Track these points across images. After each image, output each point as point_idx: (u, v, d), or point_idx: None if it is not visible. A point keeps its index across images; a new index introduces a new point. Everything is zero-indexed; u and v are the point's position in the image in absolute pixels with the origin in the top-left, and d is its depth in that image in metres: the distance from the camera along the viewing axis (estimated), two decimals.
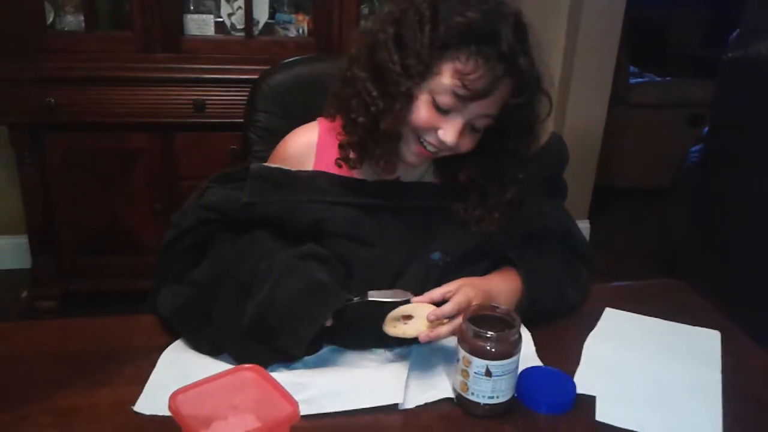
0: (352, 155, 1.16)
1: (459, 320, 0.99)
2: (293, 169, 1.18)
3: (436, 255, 1.13)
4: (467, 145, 1.12)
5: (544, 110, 1.13)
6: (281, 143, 1.26)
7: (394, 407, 0.96)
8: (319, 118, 1.25)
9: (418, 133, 1.11)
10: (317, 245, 1.09)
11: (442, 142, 1.09)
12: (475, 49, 1.03)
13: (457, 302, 1.02)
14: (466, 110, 1.07)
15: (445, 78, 1.05)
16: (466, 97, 1.04)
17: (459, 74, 1.03)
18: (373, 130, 1.11)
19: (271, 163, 1.24)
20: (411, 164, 1.17)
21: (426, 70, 1.06)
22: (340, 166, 1.18)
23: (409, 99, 1.08)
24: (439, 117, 1.08)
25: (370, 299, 1.02)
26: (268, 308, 1.01)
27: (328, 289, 1.02)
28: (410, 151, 1.14)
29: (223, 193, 1.14)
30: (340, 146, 1.17)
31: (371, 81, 1.10)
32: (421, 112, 1.08)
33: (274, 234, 1.12)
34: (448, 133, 1.08)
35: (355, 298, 1.03)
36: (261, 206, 1.11)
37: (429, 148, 1.11)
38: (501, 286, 1.13)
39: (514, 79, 1.05)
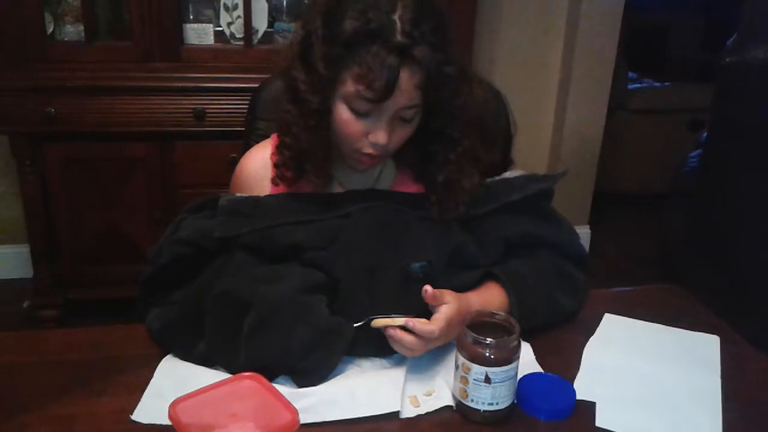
0: (287, 174, 1.16)
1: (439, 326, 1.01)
2: (254, 189, 1.20)
3: (416, 265, 1.10)
4: (402, 136, 1.12)
5: (463, 88, 1.11)
6: (238, 166, 1.27)
7: (393, 415, 0.96)
8: (273, 134, 1.25)
9: (352, 144, 1.10)
10: (302, 266, 1.09)
11: (375, 145, 1.09)
12: (365, 50, 1.01)
13: (438, 328, 1.01)
14: (384, 108, 1.05)
15: (349, 86, 1.04)
16: (373, 99, 1.03)
17: (358, 79, 1.02)
18: (298, 149, 1.12)
19: (233, 187, 1.26)
20: (364, 170, 1.17)
21: (330, 84, 1.06)
22: (276, 185, 1.18)
23: (324, 114, 1.08)
24: (362, 122, 1.07)
25: (371, 321, 1.03)
26: (278, 358, 1.01)
27: (336, 332, 1.03)
28: (355, 161, 1.14)
29: (195, 225, 1.14)
30: (275, 165, 1.17)
31: (289, 101, 1.12)
32: (344, 123, 1.08)
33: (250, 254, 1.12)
34: (378, 134, 1.07)
35: (357, 324, 1.04)
36: (234, 239, 1.11)
37: (370, 152, 1.11)
38: (482, 307, 1.10)
39: (416, 67, 1.02)
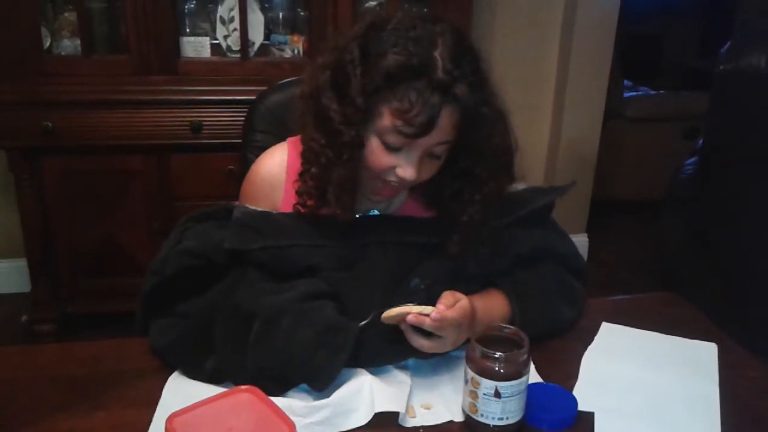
0: (309, 202, 1.14)
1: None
2: (268, 196, 1.20)
3: (415, 281, 1.11)
4: (430, 172, 1.10)
5: (497, 127, 1.10)
6: (251, 170, 1.26)
7: (392, 425, 0.96)
8: (289, 138, 1.25)
9: (377, 173, 1.09)
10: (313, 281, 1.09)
11: (402, 179, 1.07)
12: (406, 86, 0.99)
13: (459, 315, 1.01)
14: (418, 144, 1.04)
15: (386, 120, 1.02)
16: (410, 134, 1.01)
17: (397, 114, 1.00)
18: (325, 180, 1.10)
19: (244, 191, 1.25)
20: (385, 200, 1.17)
21: (365, 116, 1.04)
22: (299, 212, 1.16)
23: (357, 146, 1.06)
24: (393, 156, 1.06)
25: (381, 314, 1.02)
26: (283, 362, 1.01)
27: (340, 330, 1.02)
28: (378, 189, 1.13)
29: (204, 234, 1.12)
30: (297, 193, 1.14)
31: (317, 129, 1.09)
32: (374, 155, 1.06)
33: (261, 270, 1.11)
34: (407, 170, 1.06)
35: (363, 322, 1.03)
36: (244, 253, 1.10)
37: (393, 183, 1.10)
38: (484, 312, 1.11)
39: (456, 105, 1.01)
